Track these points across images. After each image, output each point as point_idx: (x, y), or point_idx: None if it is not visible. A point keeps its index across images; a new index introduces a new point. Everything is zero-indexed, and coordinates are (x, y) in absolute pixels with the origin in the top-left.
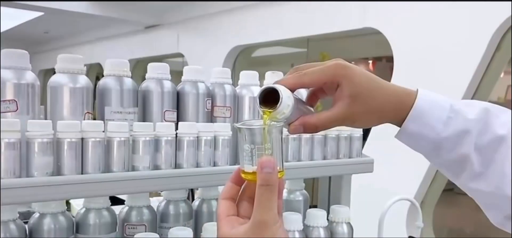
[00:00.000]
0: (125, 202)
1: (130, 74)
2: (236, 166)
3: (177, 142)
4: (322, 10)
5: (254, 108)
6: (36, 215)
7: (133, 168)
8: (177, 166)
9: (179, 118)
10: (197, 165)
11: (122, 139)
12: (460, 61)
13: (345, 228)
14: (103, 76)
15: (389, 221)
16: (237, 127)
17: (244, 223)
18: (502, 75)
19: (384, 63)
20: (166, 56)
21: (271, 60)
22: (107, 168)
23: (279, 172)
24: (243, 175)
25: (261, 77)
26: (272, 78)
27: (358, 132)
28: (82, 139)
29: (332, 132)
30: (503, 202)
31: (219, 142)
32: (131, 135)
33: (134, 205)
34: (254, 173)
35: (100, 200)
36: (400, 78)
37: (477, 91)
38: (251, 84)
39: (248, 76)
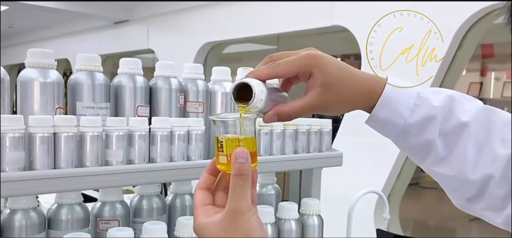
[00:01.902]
0: (98, 198)
1: (101, 69)
2: (210, 160)
3: (150, 137)
4: (292, 8)
5: (227, 104)
6: (7, 211)
7: (107, 163)
8: (150, 160)
9: (151, 113)
10: (171, 160)
11: (95, 134)
12: (424, 59)
13: (315, 220)
14: (71, 72)
15: (358, 213)
16: (211, 120)
17: (219, 212)
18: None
19: (352, 61)
20: (136, 52)
21: (241, 57)
22: (80, 163)
23: (253, 162)
24: (218, 166)
25: (233, 74)
26: (244, 74)
27: (328, 127)
28: (54, 134)
29: (303, 126)
30: (465, 186)
31: (193, 136)
32: (104, 130)
33: (107, 200)
34: (228, 163)
35: (72, 195)
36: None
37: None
38: (223, 80)
39: (220, 72)
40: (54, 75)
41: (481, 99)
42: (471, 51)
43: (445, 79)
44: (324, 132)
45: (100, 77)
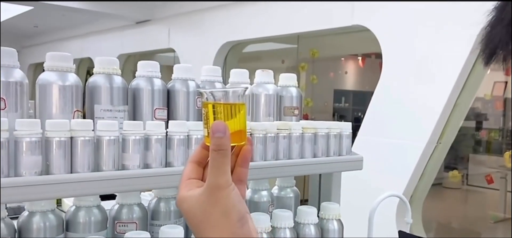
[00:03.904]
0: (115, 199)
1: (120, 72)
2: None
3: (167, 140)
4: (312, 7)
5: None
6: (25, 213)
7: (123, 167)
8: (167, 164)
9: (169, 116)
10: None
11: (112, 138)
12: (448, 57)
13: (335, 224)
14: (92, 73)
15: (379, 217)
16: (199, 92)
17: (202, 186)
18: (488, 71)
19: (373, 60)
20: (157, 51)
21: (262, 56)
22: (96, 167)
23: (240, 139)
24: (205, 141)
25: (252, 73)
26: (262, 76)
27: (348, 130)
28: (71, 138)
29: (322, 130)
30: None
31: None
32: (121, 134)
33: (125, 202)
34: (209, 137)
35: (90, 198)
36: (389, 75)
37: (465, 87)
38: (241, 82)
39: (238, 74)
40: (73, 78)
41: (505, 99)
42: None
43: (469, 79)
44: (344, 135)
45: (118, 80)
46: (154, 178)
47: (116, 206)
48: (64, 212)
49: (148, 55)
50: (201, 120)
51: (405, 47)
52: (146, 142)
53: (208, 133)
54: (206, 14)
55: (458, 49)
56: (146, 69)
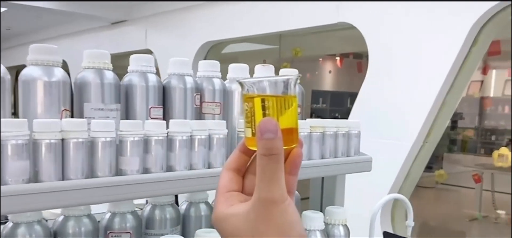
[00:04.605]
0: (107, 207)
1: (111, 66)
2: None
3: (167, 142)
4: (295, 5)
5: None
6: (9, 224)
7: (120, 172)
8: (168, 168)
9: (165, 115)
10: (191, 168)
11: (108, 139)
12: (436, 56)
13: (341, 230)
14: (68, 75)
15: (362, 217)
16: (239, 82)
17: (246, 200)
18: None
19: (351, 60)
20: (134, 52)
21: (242, 57)
22: (91, 173)
23: (292, 142)
24: (246, 143)
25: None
26: (263, 71)
27: (356, 128)
28: (62, 140)
29: (331, 128)
30: None
31: (214, 141)
32: (117, 135)
33: (117, 211)
34: (254, 138)
35: (80, 207)
36: (375, 74)
37: (453, 86)
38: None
39: (237, 70)
40: (60, 73)
41: (481, 98)
42: (486, 48)
43: (458, 77)
44: (352, 135)
45: (110, 75)
46: (155, 185)
47: (108, 215)
48: (47, 220)
49: (124, 57)
50: (199, 118)
51: (391, 45)
52: (145, 143)
53: (252, 133)
54: (185, 13)
55: (447, 48)
56: (140, 63)
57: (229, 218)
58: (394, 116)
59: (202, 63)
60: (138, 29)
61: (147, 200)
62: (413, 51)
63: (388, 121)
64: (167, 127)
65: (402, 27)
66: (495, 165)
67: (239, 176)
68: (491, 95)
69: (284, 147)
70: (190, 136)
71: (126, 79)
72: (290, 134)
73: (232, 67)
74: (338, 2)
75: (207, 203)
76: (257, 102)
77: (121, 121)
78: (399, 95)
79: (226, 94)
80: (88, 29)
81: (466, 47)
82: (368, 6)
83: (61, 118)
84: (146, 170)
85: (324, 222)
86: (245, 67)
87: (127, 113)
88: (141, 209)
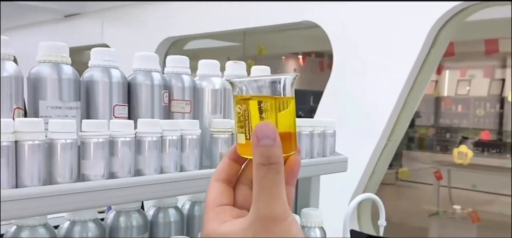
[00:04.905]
0: (66, 215)
1: (70, 60)
2: (208, 171)
3: (136, 143)
4: (259, 2)
5: (217, 102)
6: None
7: (83, 178)
8: (136, 172)
9: (131, 115)
10: (162, 171)
11: (68, 141)
12: (398, 56)
13: (318, 232)
14: None
15: (329, 216)
16: (230, 82)
17: (241, 216)
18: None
19: (313, 58)
20: (90, 47)
21: (205, 54)
22: (49, 179)
23: (290, 148)
24: (238, 150)
25: (193, 71)
26: (233, 68)
27: (332, 127)
28: (16, 142)
29: (306, 128)
30: None
31: (187, 142)
32: (78, 136)
33: (77, 219)
34: (248, 145)
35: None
36: (340, 73)
37: (414, 86)
38: (212, 75)
39: (208, 66)
40: (12, 67)
41: (437, 98)
42: (444, 49)
43: (419, 77)
44: (327, 134)
45: (68, 70)
46: (123, 190)
47: (66, 224)
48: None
49: (78, 52)
50: (168, 118)
51: (355, 44)
52: (110, 145)
53: (246, 139)
54: (145, 7)
55: (408, 48)
56: (103, 57)
57: (221, 236)
58: (359, 115)
59: (170, 59)
60: (94, 22)
61: (111, 206)
62: (376, 51)
63: (353, 120)
64: (135, 127)
65: (366, 27)
66: (456, 162)
67: (230, 187)
68: (445, 94)
69: (283, 155)
70: (161, 136)
71: (86, 74)
72: (289, 139)
73: (203, 63)
74: (303, 2)
75: (176, 208)
76: (253, 104)
77: (84, 121)
78: (363, 94)
79: (196, 92)
80: (39, 22)
81: (426, 48)
82: (332, 5)
83: (13, 118)
84: (112, 175)
85: (300, 224)
86: (215, 63)
87: (88, 112)
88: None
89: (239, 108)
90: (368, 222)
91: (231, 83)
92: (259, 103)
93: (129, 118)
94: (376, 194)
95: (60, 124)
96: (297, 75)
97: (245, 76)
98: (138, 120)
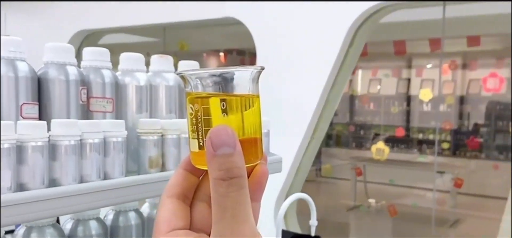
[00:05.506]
0: None
1: None
2: (136, 178)
3: (50, 148)
4: None
5: (142, 100)
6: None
7: None
8: (51, 183)
9: (42, 115)
10: (81, 180)
11: None
12: (320, 54)
13: None
14: None
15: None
16: (181, 76)
17: None
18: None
19: (234, 56)
20: None
21: (122, 50)
22: None
23: (252, 156)
24: (192, 159)
25: (114, 66)
26: (160, 62)
27: (265, 126)
28: None
29: None
30: None
31: (111, 145)
32: None
33: None
34: (201, 154)
35: None
36: (264, 71)
37: (335, 83)
38: (135, 70)
39: (131, 60)
40: None
41: (351, 96)
42: (361, 49)
43: (339, 76)
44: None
45: None
46: (35, 205)
47: None
48: None
49: None
50: (86, 118)
51: (279, 42)
52: (19, 151)
53: (200, 146)
54: None
55: (329, 47)
56: (7, 48)
57: None
58: (283, 113)
59: (88, 51)
60: None
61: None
62: (298, 49)
63: (277, 118)
64: (48, 130)
65: (288, 25)
66: (374, 158)
67: (186, 205)
68: (359, 93)
69: (246, 165)
70: (80, 140)
71: None
72: (254, 146)
73: (125, 56)
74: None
75: (98, 219)
76: (214, 103)
77: None
78: (287, 92)
79: (119, 88)
80: None
81: (345, 47)
82: (254, 2)
83: None
84: (21, 187)
85: None
86: (140, 57)
87: None
88: (12, 232)
89: (192, 108)
90: (294, 220)
91: (183, 77)
92: (222, 101)
93: (40, 119)
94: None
95: None
96: (263, 68)
97: (198, 69)
98: (52, 121)
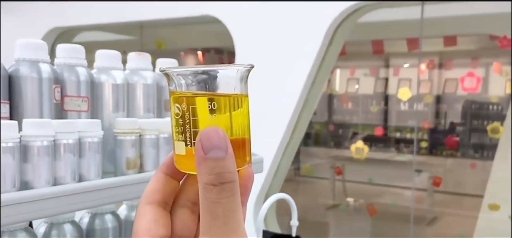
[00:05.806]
0: None
1: None
2: (112, 180)
3: (21, 149)
4: None
5: (119, 98)
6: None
7: None
8: (23, 185)
9: (13, 114)
10: (55, 183)
11: None
12: (299, 54)
13: None
14: None
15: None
16: (165, 73)
17: None
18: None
19: (212, 55)
20: None
21: (97, 48)
22: None
23: (241, 157)
24: (176, 163)
25: (90, 65)
26: (137, 60)
27: None
28: None
29: None
30: None
31: (86, 146)
32: None
33: None
34: (189, 157)
35: None
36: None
37: (314, 83)
38: (112, 68)
39: (107, 57)
40: None
41: (330, 95)
42: (340, 48)
43: (318, 75)
44: None
45: None
46: (6, 209)
47: None
48: None
49: None
50: (61, 117)
51: (258, 41)
52: None
53: (187, 148)
54: None
55: (308, 46)
56: None
57: None
58: (262, 112)
59: (61, 48)
60: None
61: None
62: (278, 48)
63: (256, 117)
64: (20, 130)
65: (267, 24)
66: (354, 157)
67: (166, 211)
68: (337, 92)
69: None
70: (54, 140)
71: None
72: (243, 148)
73: (101, 54)
74: None
75: (73, 222)
76: (201, 103)
77: None
78: (266, 91)
79: (94, 87)
80: None
81: (324, 47)
82: (234, 2)
83: None
84: None
85: None
86: (116, 54)
87: None
88: None
89: (178, 108)
90: (274, 220)
91: (167, 75)
92: (210, 100)
93: (11, 118)
94: (279, 191)
95: None
96: (252, 66)
97: (183, 66)
98: (24, 120)
